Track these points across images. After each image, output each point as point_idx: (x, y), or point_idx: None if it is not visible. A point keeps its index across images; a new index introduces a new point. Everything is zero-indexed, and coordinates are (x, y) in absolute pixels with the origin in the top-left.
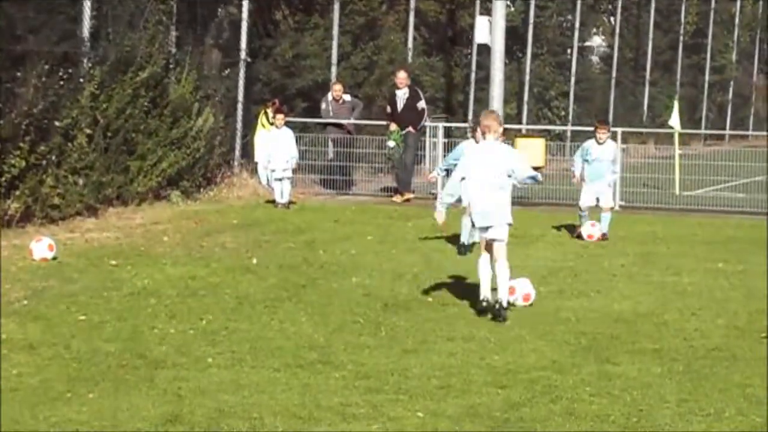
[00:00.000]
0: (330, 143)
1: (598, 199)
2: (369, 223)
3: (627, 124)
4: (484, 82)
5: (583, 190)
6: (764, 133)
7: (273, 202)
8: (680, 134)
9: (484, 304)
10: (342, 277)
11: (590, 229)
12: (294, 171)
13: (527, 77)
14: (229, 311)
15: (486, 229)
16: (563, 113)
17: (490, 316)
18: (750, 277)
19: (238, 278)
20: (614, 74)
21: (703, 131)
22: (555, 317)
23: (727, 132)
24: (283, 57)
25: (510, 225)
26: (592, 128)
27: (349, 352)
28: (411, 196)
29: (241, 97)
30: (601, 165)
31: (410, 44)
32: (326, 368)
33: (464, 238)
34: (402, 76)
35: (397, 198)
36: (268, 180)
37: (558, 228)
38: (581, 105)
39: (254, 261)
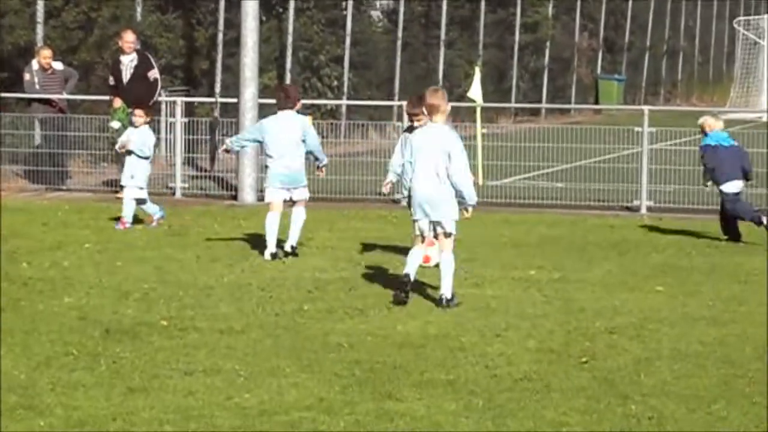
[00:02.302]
0: (37, 125)
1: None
2: (88, 227)
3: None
4: (234, 45)
5: None
6: (589, 106)
7: None
8: (483, 109)
9: (406, 279)
10: (51, 297)
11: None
12: None
13: (290, 39)
14: None
15: (432, 223)
16: (336, 83)
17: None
18: (568, 287)
19: None
20: (400, 34)
21: (513, 105)
22: (323, 343)
23: (544, 105)
24: None
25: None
26: (372, 102)
27: (59, 392)
28: None
29: None
30: None
31: None
32: (29, 414)
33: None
34: (129, 39)
35: None
36: None
37: (330, 229)
38: (359, 73)
39: None
